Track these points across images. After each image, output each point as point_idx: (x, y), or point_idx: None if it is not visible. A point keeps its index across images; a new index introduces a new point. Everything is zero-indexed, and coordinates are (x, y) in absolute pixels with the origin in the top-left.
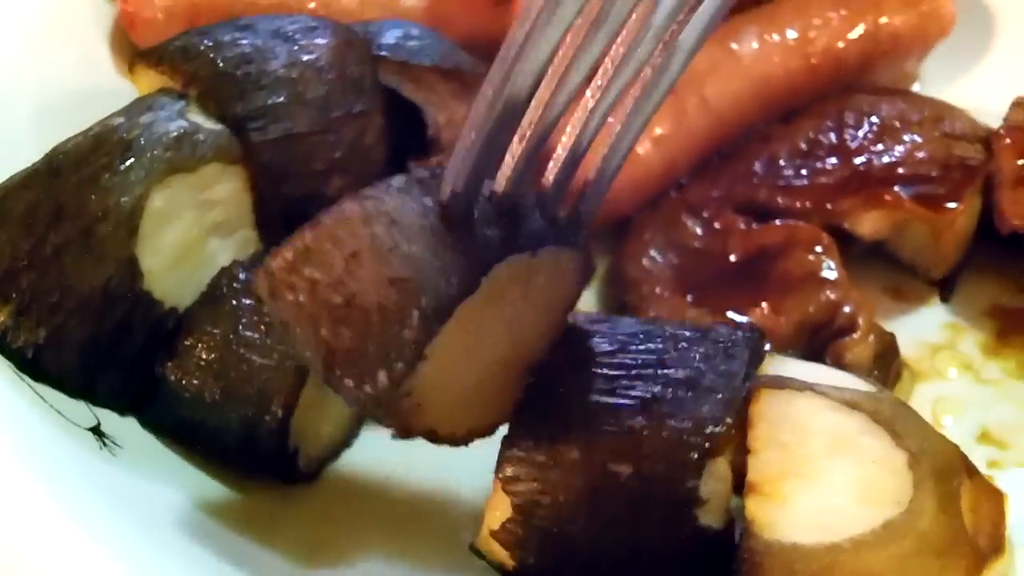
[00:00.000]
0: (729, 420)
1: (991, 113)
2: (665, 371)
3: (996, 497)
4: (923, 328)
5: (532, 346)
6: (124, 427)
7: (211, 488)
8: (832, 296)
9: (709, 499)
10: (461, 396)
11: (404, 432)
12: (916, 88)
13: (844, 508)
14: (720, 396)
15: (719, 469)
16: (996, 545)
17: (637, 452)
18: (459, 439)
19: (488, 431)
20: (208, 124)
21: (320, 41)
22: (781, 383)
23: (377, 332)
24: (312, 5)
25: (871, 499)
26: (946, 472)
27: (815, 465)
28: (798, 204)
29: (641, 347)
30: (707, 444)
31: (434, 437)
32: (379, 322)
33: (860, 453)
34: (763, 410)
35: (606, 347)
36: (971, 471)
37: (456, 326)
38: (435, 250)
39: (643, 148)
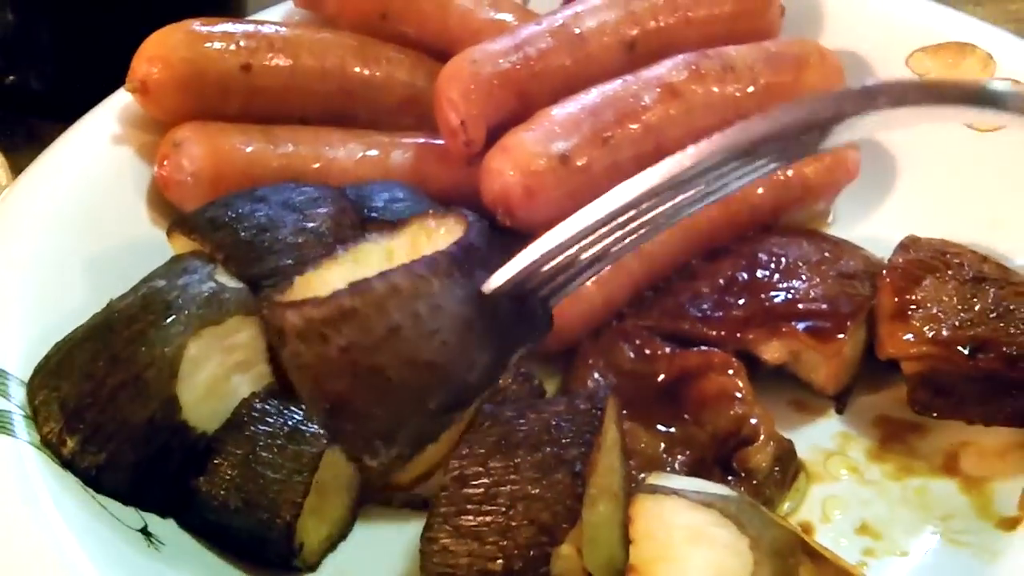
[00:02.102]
0: (565, 525)
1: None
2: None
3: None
4: (820, 436)
5: None
6: (166, 528)
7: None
8: (740, 411)
9: (561, 573)
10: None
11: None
12: (831, 222)
13: None
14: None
15: (564, 551)
16: None
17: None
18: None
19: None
20: (231, 283)
21: (321, 211)
22: (653, 489)
23: (392, 405)
24: (316, 165)
25: (721, 574)
26: (782, 553)
27: (678, 551)
28: (715, 334)
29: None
30: (548, 544)
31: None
32: (397, 397)
33: (712, 541)
34: (639, 510)
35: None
36: (812, 554)
37: None
38: (466, 343)
39: (588, 287)
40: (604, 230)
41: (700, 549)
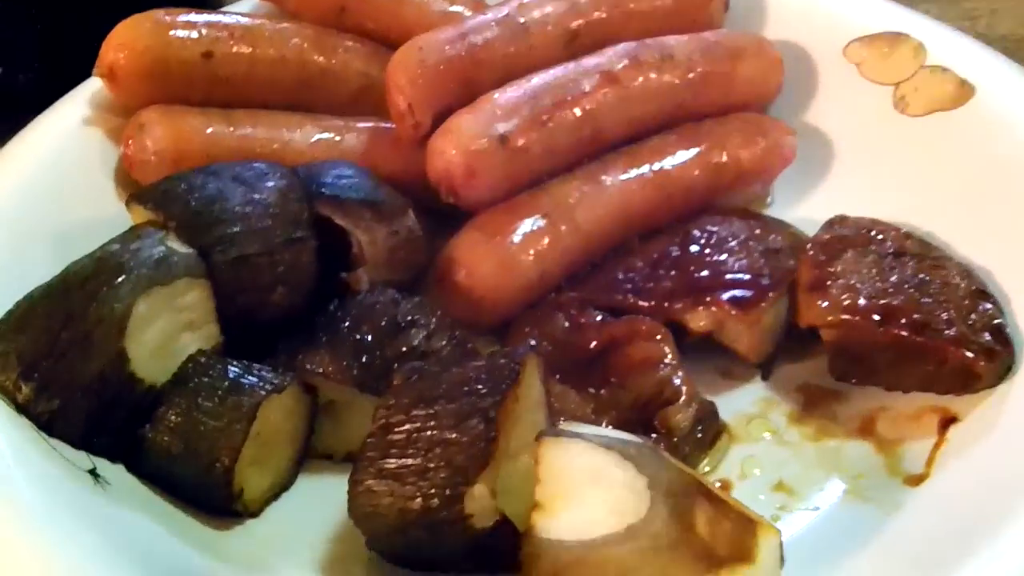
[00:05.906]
0: (478, 466)
1: None
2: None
3: (742, 520)
4: (744, 401)
5: None
6: (115, 471)
7: (179, 518)
8: (663, 374)
9: (474, 512)
10: None
11: None
12: (770, 203)
13: (598, 518)
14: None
15: (476, 492)
16: (739, 555)
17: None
18: None
19: None
20: (182, 249)
21: (269, 184)
22: (558, 433)
23: None
24: (274, 147)
25: (618, 511)
26: (678, 493)
27: (579, 489)
28: (645, 304)
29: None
30: (461, 484)
31: None
32: None
33: (611, 480)
34: (545, 452)
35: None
36: (710, 497)
37: None
38: None
39: (523, 262)
40: None
41: (599, 487)
